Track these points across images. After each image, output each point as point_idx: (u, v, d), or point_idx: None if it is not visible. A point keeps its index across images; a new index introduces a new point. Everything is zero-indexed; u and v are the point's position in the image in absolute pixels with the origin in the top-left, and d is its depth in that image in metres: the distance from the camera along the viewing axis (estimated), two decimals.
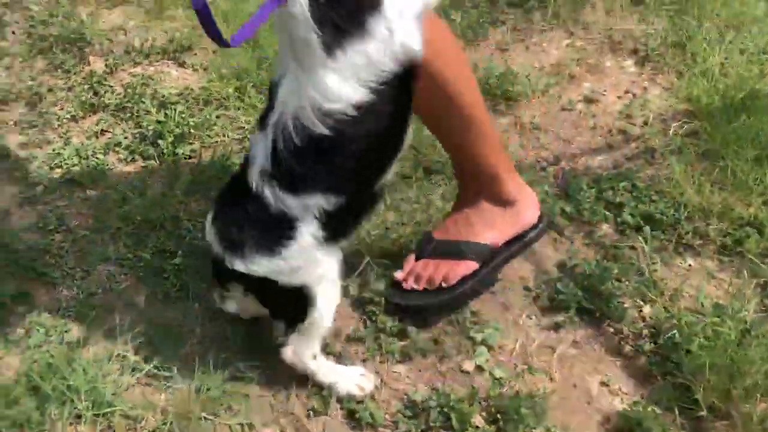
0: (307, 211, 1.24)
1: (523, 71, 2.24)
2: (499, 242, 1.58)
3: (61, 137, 2.01)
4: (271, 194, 1.23)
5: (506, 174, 1.56)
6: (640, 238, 1.70)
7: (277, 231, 1.25)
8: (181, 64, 2.30)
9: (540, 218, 1.61)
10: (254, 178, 1.24)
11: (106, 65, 2.29)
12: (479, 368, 1.48)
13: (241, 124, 2.07)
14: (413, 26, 1.13)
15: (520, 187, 1.60)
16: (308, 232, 1.25)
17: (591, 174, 1.90)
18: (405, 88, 1.20)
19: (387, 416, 1.39)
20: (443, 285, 1.52)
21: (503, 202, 1.56)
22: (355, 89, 1.12)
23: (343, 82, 1.12)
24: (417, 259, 1.58)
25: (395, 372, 1.48)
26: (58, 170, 1.90)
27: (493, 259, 1.57)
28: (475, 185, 1.56)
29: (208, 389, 1.39)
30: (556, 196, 1.82)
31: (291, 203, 1.23)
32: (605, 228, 1.77)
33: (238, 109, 2.11)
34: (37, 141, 2.00)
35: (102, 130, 2.04)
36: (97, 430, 1.35)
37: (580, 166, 1.95)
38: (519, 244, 1.59)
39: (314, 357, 1.39)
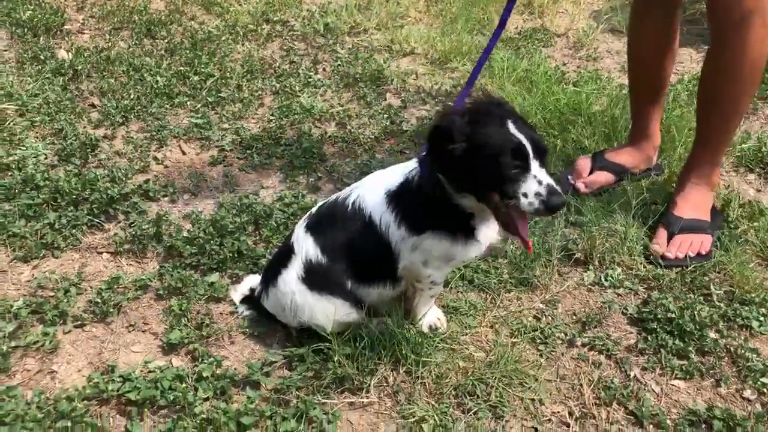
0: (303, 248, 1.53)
1: None
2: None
3: (367, 152, 2.36)
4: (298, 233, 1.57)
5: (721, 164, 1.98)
6: None
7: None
8: None
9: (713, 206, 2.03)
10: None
11: (401, 101, 2.66)
12: (762, 395, 1.52)
13: None
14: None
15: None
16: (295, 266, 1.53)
17: None
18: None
19: (669, 421, 1.47)
20: (701, 252, 1.91)
21: (712, 186, 2.00)
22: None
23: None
24: (669, 234, 1.94)
25: (674, 385, 1.56)
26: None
27: (708, 230, 1.96)
28: (704, 165, 1.96)
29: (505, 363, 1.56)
30: None
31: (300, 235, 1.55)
32: None
33: None
34: (347, 152, 2.37)
35: (402, 150, 2.37)
36: None
37: None
38: (717, 222, 2.00)
39: None
